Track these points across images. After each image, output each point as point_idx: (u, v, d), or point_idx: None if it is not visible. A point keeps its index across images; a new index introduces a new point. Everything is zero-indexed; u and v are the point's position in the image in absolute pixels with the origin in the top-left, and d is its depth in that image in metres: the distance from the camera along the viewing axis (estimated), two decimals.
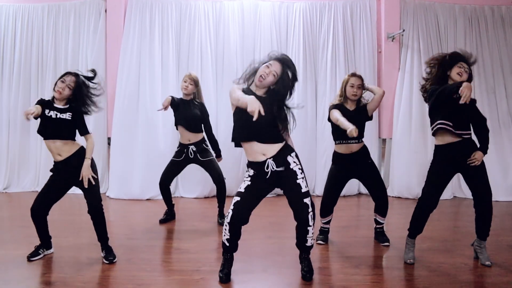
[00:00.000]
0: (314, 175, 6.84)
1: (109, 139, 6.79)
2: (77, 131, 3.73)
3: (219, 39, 6.76)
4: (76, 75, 3.69)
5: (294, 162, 3.24)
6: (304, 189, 3.20)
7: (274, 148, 3.20)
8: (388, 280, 3.35)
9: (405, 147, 6.73)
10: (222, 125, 6.62)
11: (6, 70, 6.86)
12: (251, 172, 3.26)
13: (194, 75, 4.91)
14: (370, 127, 6.83)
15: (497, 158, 6.73)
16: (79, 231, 4.56)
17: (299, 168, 3.24)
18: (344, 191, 6.60)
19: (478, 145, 3.60)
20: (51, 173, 3.74)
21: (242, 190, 3.24)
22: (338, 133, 4.09)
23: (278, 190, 6.36)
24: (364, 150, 4.19)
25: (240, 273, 3.45)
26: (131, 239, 4.33)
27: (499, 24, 7.02)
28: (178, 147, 4.96)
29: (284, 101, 3.27)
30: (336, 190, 4.26)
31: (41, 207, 3.66)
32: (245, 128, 3.17)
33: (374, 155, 6.81)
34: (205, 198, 6.52)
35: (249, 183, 3.24)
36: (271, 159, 3.18)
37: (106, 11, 6.69)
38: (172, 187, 6.44)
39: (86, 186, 3.59)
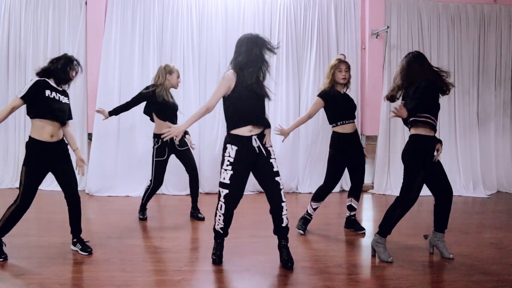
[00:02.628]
0: (296, 172, 6.80)
1: (89, 134, 6.66)
2: None
3: (202, 34, 6.67)
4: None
5: (270, 145, 3.48)
6: (275, 168, 3.42)
7: (259, 128, 3.42)
8: (373, 279, 3.32)
9: (390, 144, 6.78)
10: (205, 120, 6.54)
11: None
12: (233, 153, 3.35)
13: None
14: None
15: (465, 157, 6.98)
16: (56, 230, 4.42)
17: (272, 150, 3.48)
18: None
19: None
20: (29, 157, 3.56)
21: (228, 181, 3.36)
22: (337, 114, 4.37)
23: (260, 187, 6.40)
24: (357, 133, 4.50)
25: (223, 273, 3.39)
26: (111, 238, 4.22)
27: (480, 23, 7.08)
28: (156, 140, 4.79)
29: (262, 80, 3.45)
30: (338, 175, 4.43)
31: (30, 198, 3.56)
32: (243, 115, 3.37)
33: None
34: (187, 195, 6.41)
35: (232, 172, 3.35)
36: (256, 136, 3.37)
37: (86, 3, 6.54)
38: None
39: (83, 174, 3.85)
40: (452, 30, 7.01)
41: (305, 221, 4.51)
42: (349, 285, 3.19)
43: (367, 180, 6.99)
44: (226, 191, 3.37)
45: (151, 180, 4.89)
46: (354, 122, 4.43)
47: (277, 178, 3.40)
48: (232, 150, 3.36)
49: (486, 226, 4.86)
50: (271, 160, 3.41)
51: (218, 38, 6.64)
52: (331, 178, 4.41)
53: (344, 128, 4.36)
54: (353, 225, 4.56)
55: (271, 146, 3.47)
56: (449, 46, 6.96)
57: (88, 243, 3.79)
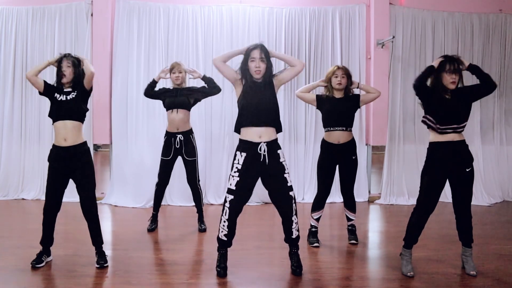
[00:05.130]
0: (302, 182, 6.79)
1: (95, 145, 6.67)
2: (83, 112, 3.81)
3: (207, 44, 6.68)
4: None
5: (283, 157, 3.49)
6: (289, 183, 3.45)
7: (269, 135, 3.42)
8: None
9: (397, 154, 6.76)
10: (214, 128, 6.63)
11: None
12: (241, 159, 3.39)
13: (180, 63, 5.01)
14: (355, 132, 6.77)
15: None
16: (61, 241, 4.33)
17: (285, 164, 3.48)
18: (333, 198, 6.60)
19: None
20: (48, 163, 3.74)
21: (233, 187, 3.40)
22: (328, 120, 4.32)
23: (265, 198, 6.40)
24: (352, 144, 4.35)
25: (228, 285, 3.35)
26: (116, 249, 4.19)
27: (484, 32, 7.04)
28: (165, 137, 4.92)
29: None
30: (328, 180, 4.38)
31: (52, 202, 3.69)
32: (250, 113, 3.40)
33: (362, 161, 6.79)
34: (193, 206, 6.37)
35: (238, 178, 3.39)
36: (265, 143, 3.36)
37: (92, 15, 6.56)
38: None
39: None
40: (456, 39, 6.98)
41: (313, 234, 4.45)
42: None
43: (374, 190, 7.00)
44: (231, 196, 3.41)
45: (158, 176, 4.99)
46: (344, 130, 4.26)
47: (290, 193, 3.45)
48: (240, 159, 3.41)
49: (494, 237, 4.79)
50: (285, 175, 3.44)
51: (223, 48, 6.64)
52: (320, 184, 4.42)
53: (330, 136, 4.29)
54: (349, 235, 4.54)
55: (284, 160, 3.48)
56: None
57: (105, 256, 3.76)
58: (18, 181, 6.65)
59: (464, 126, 3.52)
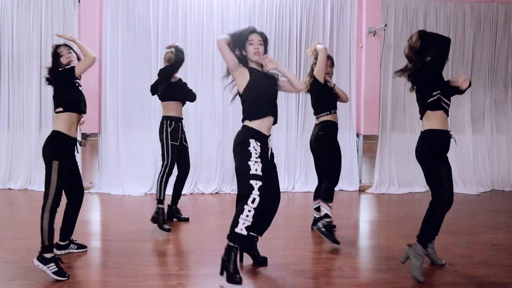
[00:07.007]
0: (292, 171, 6.75)
1: (83, 134, 6.58)
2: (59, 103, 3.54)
3: (197, 31, 6.58)
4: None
5: (273, 154, 3.41)
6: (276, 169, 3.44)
7: (270, 129, 3.31)
8: (373, 282, 3.25)
9: (391, 143, 6.77)
10: (205, 118, 6.60)
11: None
12: (257, 148, 3.19)
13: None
14: (345, 121, 6.73)
15: (458, 155, 6.85)
16: None
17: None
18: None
19: None
20: None
21: (260, 173, 3.14)
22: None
23: None
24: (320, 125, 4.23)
25: (219, 277, 3.30)
26: (106, 240, 4.13)
27: (476, 21, 7.03)
28: (170, 124, 4.65)
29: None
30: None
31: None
32: (267, 103, 3.26)
33: (352, 150, 6.79)
34: (183, 195, 6.31)
35: (261, 164, 3.17)
36: (269, 138, 3.32)
37: (79, 1, 6.42)
38: (150, 183, 6.29)
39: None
40: (447, 28, 6.96)
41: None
42: None
43: (365, 179, 6.99)
44: (260, 183, 3.11)
45: (164, 160, 4.66)
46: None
47: (278, 178, 3.46)
48: (256, 148, 3.19)
49: (484, 227, 4.79)
50: (274, 161, 3.42)
51: (214, 36, 6.55)
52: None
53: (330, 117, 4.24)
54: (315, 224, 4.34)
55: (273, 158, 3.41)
56: None
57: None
58: (5, 171, 6.52)
59: None
